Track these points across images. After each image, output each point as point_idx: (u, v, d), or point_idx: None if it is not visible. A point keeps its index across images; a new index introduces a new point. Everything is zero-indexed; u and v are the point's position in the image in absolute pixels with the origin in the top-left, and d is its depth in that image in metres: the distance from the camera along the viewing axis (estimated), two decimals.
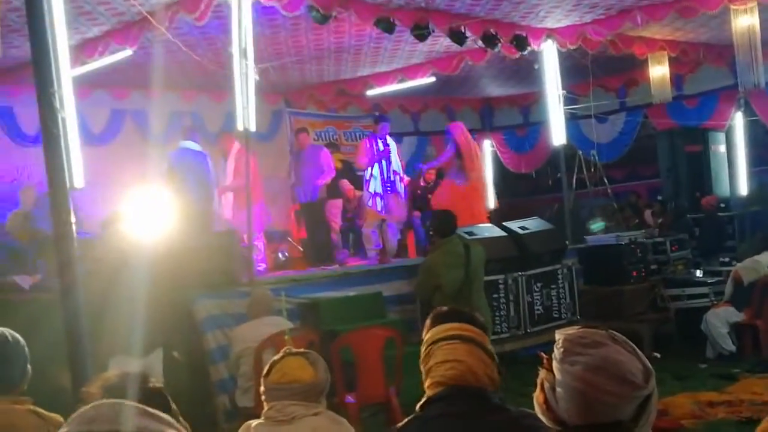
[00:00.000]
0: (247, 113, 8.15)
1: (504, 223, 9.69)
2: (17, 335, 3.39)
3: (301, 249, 11.84)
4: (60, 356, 4.75)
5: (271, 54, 10.63)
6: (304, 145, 11.10)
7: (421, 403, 2.55)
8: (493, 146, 16.77)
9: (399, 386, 6.58)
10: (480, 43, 10.02)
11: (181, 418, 2.35)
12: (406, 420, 2.55)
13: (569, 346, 1.96)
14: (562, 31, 10.68)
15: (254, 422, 3.37)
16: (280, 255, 11.54)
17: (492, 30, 9.91)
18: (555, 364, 1.97)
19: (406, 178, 11.32)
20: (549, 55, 10.99)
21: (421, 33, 9.40)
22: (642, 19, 9.97)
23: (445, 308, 2.74)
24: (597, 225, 13.16)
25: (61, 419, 1.69)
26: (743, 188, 13.90)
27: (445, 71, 12.07)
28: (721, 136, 13.96)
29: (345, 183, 11.68)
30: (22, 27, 7.11)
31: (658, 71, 12.31)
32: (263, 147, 12.51)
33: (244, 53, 8.05)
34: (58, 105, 4.78)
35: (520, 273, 9.06)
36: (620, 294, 10.00)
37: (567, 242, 10.74)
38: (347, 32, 10.31)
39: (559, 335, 2.02)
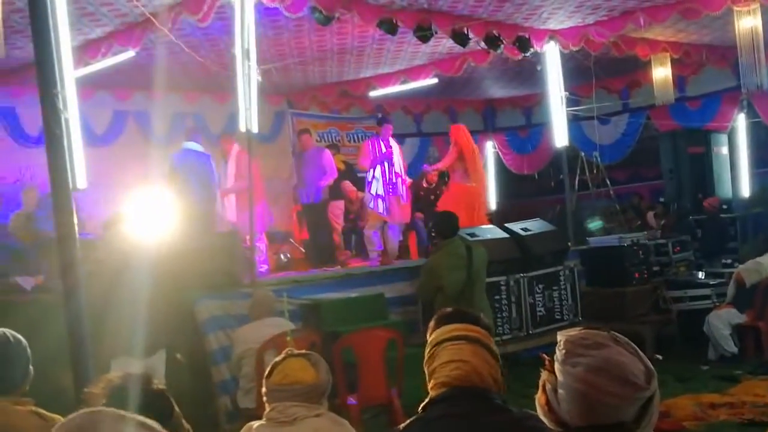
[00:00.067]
0: (249, 114, 8.15)
1: (506, 225, 9.70)
2: (19, 336, 3.40)
3: (303, 250, 11.85)
4: (62, 357, 4.75)
5: (274, 55, 10.64)
6: (307, 147, 11.10)
7: (423, 404, 2.55)
8: (495, 147, 16.77)
9: (400, 387, 6.58)
10: (483, 44, 10.02)
11: (183, 420, 2.36)
12: (408, 421, 2.55)
13: (571, 348, 1.96)
14: (565, 32, 10.68)
15: (256, 423, 3.37)
16: (282, 256, 11.55)
17: (495, 31, 9.91)
18: (557, 366, 1.97)
19: (408, 180, 11.31)
20: (551, 57, 10.99)
21: (423, 34, 9.40)
22: (645, 20, 9.96)
23: (449, 309, 2.74)
24: (595, 224, 13.16)
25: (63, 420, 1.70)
26: (745, 190, 13.89)
27: (447, 72, 12.07)
28: (724, 138, 13.93)
29: (347, 184, 11.68)
30: (26, 28, 7.13)
31: (661, 73, 12.30)
32: (265, 148, 12.53)
33: (246, 54, 8.05)
34: (61, 106, 4.79)
35: (522, 274, 9.06)
36: (622, 295, 10.00)
37: (569, 244, 10.74)
38: (350, 33, 10.32)
39: (561, 336, 2.02)
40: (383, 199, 10.49)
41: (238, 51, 8.09)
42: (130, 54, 9.32)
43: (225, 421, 7.15)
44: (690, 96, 13.94)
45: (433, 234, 10.10)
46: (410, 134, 15.79)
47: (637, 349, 1.98)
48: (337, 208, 11.47)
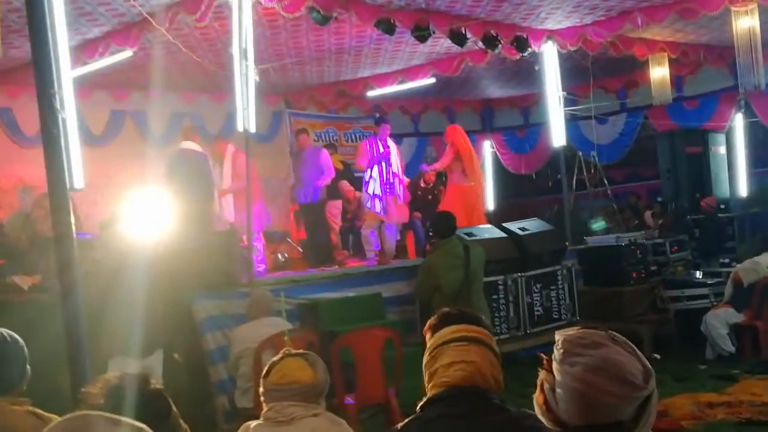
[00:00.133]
0: (247, 114, 8.15)
1: (504, 224, 9.69)
2: (16, 336, 3.39)
3: (301, 250, 11.85)
4: (59, 357, 4.74)
5: (272, 55, 10.64)
6: (305, 146, 11.10)
7: (421, 403, 2.55)
8: (493, 147, 16.78)
9: (398, 387, 6.58)
10: (480, 44, 10.02)
11: (181, 420, 2.35)
12: (406, 420, 2.54)
13: (569, 347, 1.96)
14: (563, 32, 10.68)
15: (253, 423, 3.37)
16: (279, 256, 11.54)
17: (492, 31, 9.91)
18: (555, 365, 1.97)
19: (406, 180, 11.31)
20: (549, 57, 11.00)
21: (421, 34, 9.40)
22: (642, 20, 9.97)
23: (451, 309, 2.73)
24: (598, 224, 13.16)
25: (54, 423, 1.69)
26: (743, 189, 13.91)
27: (445, 72, 12.07)
28: (722, 138, 13.96)
29: (345, 184, 11.68)
30: (23, 27, 7.11)
31: (659, 72, 12.31)
32: (263, 148, 12.54)
33: (244, 54, 8.05)
34: (58, 105, 4.77)
35: (519, 274, 9.06)
36: (620, 295, 10.00)
37: (567, 243, 10.74)
38: (348, 33, 10.32)
39: (558, 336, 2.02)
40: (380, 199, 10.49)
41: (235, 51, 8.09)
42: (127, 54, 9.32)
43: (223, 421, 7.14)
44: (687, 96, 13.96)
45: (430, 233, 10.10)
46: (408, 134, 15.80)
47: (635, 348, 1.98)
48: (335, 207, 11.47)
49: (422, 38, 9.50)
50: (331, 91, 13.95)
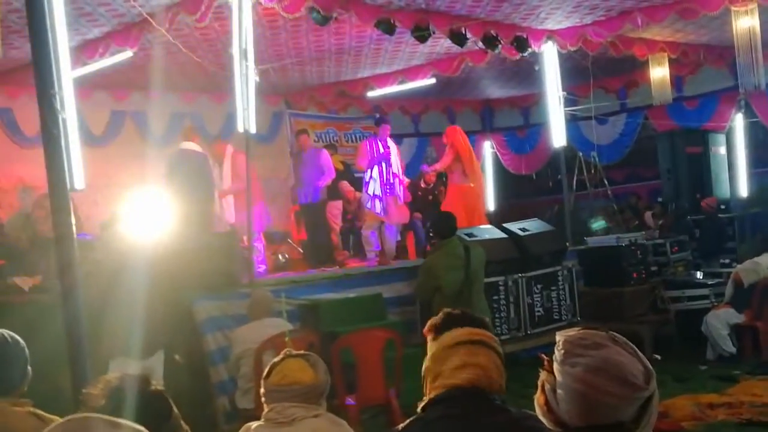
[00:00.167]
0: (247, 114, 8.15)
1: (504, 225, 9.69)
2: (17, 337, 3.39)
3: (301, 250, 11.85)
4: (60, 358, 4.75)
5: (272, 55, 10.64)
6: (305, 147, 11.10)
7: (422, 404, 2.55)
8: (493, 148, 16.77)
9: (399, 388, 6.58)
10: (480, 44, 10.03)
11: (182, 421, 2.35)
12: (407, 421, 2.54)
13: (570, 348, 1.96)
14: (563, 32, 10.68)
15: (254, 424, 3.37)
16: (280, 256, 11.54)
17: (492, 31, 9.91)
18: (556, 366, 1.97)
19: (406, 180, 11.30)
20: (549, 57, 11.00)
21: (421, 34, 9.41)
22: (642, 20, 9.97)
23: (454, 311, 2.73)
24: (598, 224, 13.16)
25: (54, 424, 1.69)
26: (743, 190, 13.91)
27: (445, 72, 12.08)
28: (722, 138, 13.96)
29: (345, 185, 11.68)
30: (23, 28, 7.10)
31: (659, 73, 12.31)
32: (263, 148, 12.54)
33: (244, 54, 8.05)
34: (58, 106, 4.78)
35: (520, 274, 9.06)
36: (620, 295, 10.00)
37: (567, 244, 10.74)
38: (348, 33, 10.32)
39: (559, 337, 2.02)
40: (381, 200, 10.49)
41: (235, 51, 8.09)
42: (127, 54, 9.32)
43: (223, 422, 7.14)
44: (688, 96, 13.96)
45: (431, 234, 10.10)
46: (408, 134, 15.80)
47: (636, 349, 1.98)
48: (335, 208, 11.47)
49: (422, 38, 9.51)
50: (332, 91, 13.96)
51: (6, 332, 3.37)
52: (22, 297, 7.56)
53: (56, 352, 4.75)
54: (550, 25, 10.49)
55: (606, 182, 13.99)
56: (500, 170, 16.88)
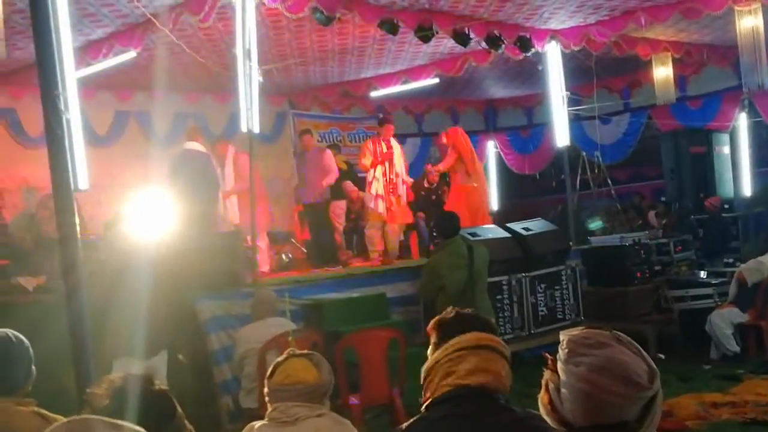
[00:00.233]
0: (251, 115, 8.16)
1: (507, 224, 9.69)
2: (21, 336, 3.40)
3: (305, 250, 11.85)
4: (64, 358, 4.76)
5: (275, 55, 10.65)
6: (308, 147, 11.10)
7: (426, 404, 2.55)
8: (496, 147, 16.78)
9: (402, 387, 6.58)
10: (484, 44, 10.03)
11: (186, 420, 2.35)
12: (411, 420, 2.54)
13: (574, 347, 1.96)
14: (566, 32, 10.68)
15: (258, 423, 3.37)
16: (283, 256, 11.55)
17: (496, 31, 9.92)
18: (560, 365, 1.97)
19: (409, 180, 11.30)
20: (553, 57, 11.00)
21: (424, 34, 9.41)
22: (646, 20, 9.97)
23: (463, 311, 2.72)
24: (595, 224, 13.16)
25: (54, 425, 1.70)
26: (747, 189, 13.89)
27: (448, 72, 12.08)
28: (725, 137, 13.94)
29: (348, 184, 11.68)
30: (27, 29, 7.15)
31: (662, 72, 12.30)
32: (267, 148, 12.56)
33: (248, 55, 8.06)
34: (62, 106, 4.79)
35: (523, 274, 9.05)
36: (624, 295, 9.99)
37: (570, 243, 10.74)
38: (351, 34, 10.32)
39: (563, 336, 2.02)
40: (384, 199, 10.48)
41: (239, 51, 8.11)
42: (131, 54, 9.34)
43: (227, 421, 7.15)
44: (691, 95, 13.96)
45: (434, 234, 10.10)
46: (411, 134, 15.80)
47: (640, 348, 1.98)
48: (339, 207, 11.47)
49: (425, 38, 9.51)
50: (335, 91, 13.97)
51: (10, 332, 3.38)
52: (27, 297, 7.58)
53: (60, 352, 4.76)
54: (554, 24, 10.49)
55: (609, 182, 13.98)
56: (504, 170, 16.88)
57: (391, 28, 9.11)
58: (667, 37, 11.78)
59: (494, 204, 15.81)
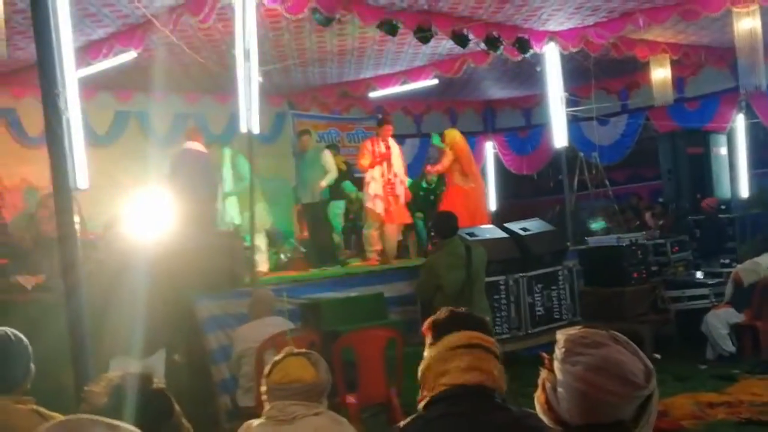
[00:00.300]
0: (250, 115, 8.17)
1: (505, 225, 9.70)
2: (20, 335, 3.41)
3: (303, 250, 11.86)
4: (62, 356, 4.77)
5: (275, 56, 10.66)
6: (307, 147, 11.11)
7: (423, 403, 2.57)
8: (495, 148, 16.78)
9: (400, 387, 6.60)
10: (482, 45, 10.05)
11: (183, 419, 2.37)
12: (408, 419, 2.56)
13: (571, 347, 1.97)
14: (565, 33, 10.69)
15: (255, 422, 3.38)
16: (282, 256, 11.56)
17: (494, 33, 9.93)
18: (556, 365, 1.98)
19: (408, 180, 11.31)
20: (551, 58, 11.01)
21: (424, 35, 9.43)
22: (644, 21, 9.98)
23: (457, 311, 2.74)
24: (598, 224, 13.17)
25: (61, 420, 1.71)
26: (744, 190, 13.89)
27: (447, 73, 12.09)
28: (723, 139, 13.95)
29: (347, 184, 11.69)
30: (28, 29, 7.16)
31: (660, 74, 12.32)
32: (266, 149, 12.56)
33: (247, 55, 8.06)
34: (62, 106, 4.80)
35: (521, 274, 9.07)
36: (621, 295, 10.01)
37: (568, 244, 10.76)
38: (350, 34, 10.33)
39: (560, 335, 2.03)
40: (382, 200, 10.49)
41: (239, 52, 8.11)
42: (131, 55, 9.34)
43: (225, 420, 7.16)
44: (689, 97, 13.97)
45: (432, 234, 10.11)
46: (410, 135, 15.80)
47: (637, 348, 1.99)
48: (338, 207, 11.49)
49: (424, 39, 9.53)
50: (334, 92, 13.98)
51: (9, 330, 3.40)
52: (26, 296, 7.59)
53: (59, 351, 4.78)
54: (552, 26, 10.51)
55: (607, 183, 13.99)
56: (502, 170, 16.88)
57: (391, 29, 9.12)
58: (665, 39, 11.79)
59: (492, 204, 15.82)
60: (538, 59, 11.05)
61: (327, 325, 7.63)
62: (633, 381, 1.90)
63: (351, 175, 12.20)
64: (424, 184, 12.37)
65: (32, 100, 9.34)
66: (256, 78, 8.15)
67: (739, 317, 9.25)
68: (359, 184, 11.41)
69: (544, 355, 2.06)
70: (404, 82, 12.80)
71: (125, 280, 5.95)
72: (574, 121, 12.80)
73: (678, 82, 13.41)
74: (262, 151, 10.70)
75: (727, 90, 13.00)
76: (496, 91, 15.78)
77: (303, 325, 7.62)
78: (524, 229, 9.56)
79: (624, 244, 10.32)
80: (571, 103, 11.93)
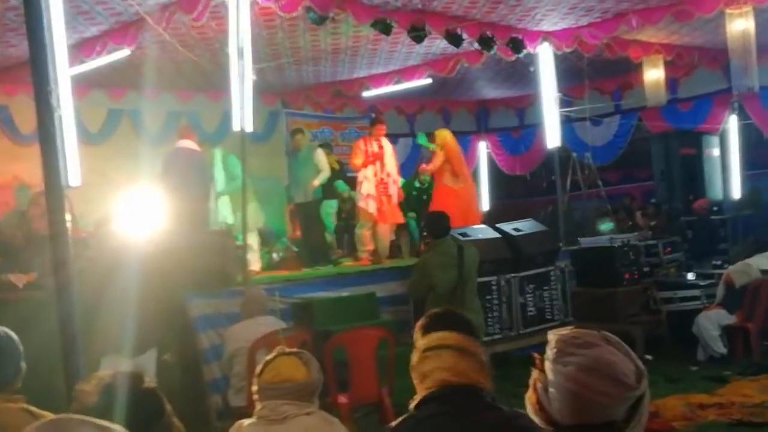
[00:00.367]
0: (243, 113, 8.16)
1: (498, 225, 9.70)
2: (11, 333, 3.40)
3: (296, 249, 11.85)
4: (53, 355, 4.76)
5: (269, 54, 10.64)
6: (300, 146, 11.10)
7: (415, 402, 2.57)
8: (488, 148, 16.79)
9: (392, 386, 6.59)
10: (476, 45, 10.06)
11: (175, 418, 2.37)
12: (399, 419, 2.56)
13: (562, 347, 1.98)
14: (558, 34, 10.70)
15: (246, 421, 3.38)
16: (274, 255, 11.55)
17: (488, 32, 9.94)
18: (548, 365, 1.98)
19: (401, 180, 11.30)
20: (545, 58, 11.02)
21: (417, 35, 9.43)
22: (637, 22, 10.00)
23: (442, 311, 2.75)
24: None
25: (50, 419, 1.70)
26: (736, 191, 13.92)
27: (441, 73, 12.09)
28: (715, 140, 14.00)
29: (340, 184, 11.69)
30: (20, 26, 7.13)
31: (653, 74, 12.35)
32: (259, 147, 12.55)
33: (241, 53, 8.06)
34: (55, 103, 4.79)
35: (513, 274, 9.07)
36: (613, 296, 10.01)
37: (560, 244, 10.76)
38: (344, 33, 10.33)
39: (552, 335, 2.03)
40: (375, 199, 10.49)
41: (232, 50, 8.10)
42: (125, 52, 9.32)
43: (216, 420, 7.14)
44: (682, 98, 14.01)
45: (424, 234, 10.11)
46: (403, 134, 15.79)
47: (628, 349, 2.00)
48: (330, 207, 11.48)
49: (418, 39, 9.53)
50: (328, 91, 13.97)
51: (0, 328, 3.38)
52: (17, 294, 7.56)
53: (50, 349, 4.76)
54: (546, 26, 10.51)
55: (600, 183, 14.01)
56: (495, 170, 16.89)
57: (385, 28, 9.12)
58: (658, 40, 11.82)
59: (485, 204, 15.83)
60: (531, 59, 11.06)
61: (319, 325, 7.62)
62: (624, 381, 1.90)
63: (344, 174, 12.19)
64: (417, 184, 12.37)
65: (25, 97, 9.31)
66: (250, 76, 8.15)
67: (730, 319, 9.26)
68: (352, 183, 11.41)
69: (536, 355, 2.06)
70: (398, 82, 12.81)
71: (117, 278, 5.94)
72: (567, 122, 12.82)
73: (671, 83, 13.44)
74: (254, 149, 10.71)
75: (719, 91, 13.04)
76: (490, 91, 15.80)
77: (295, 325, 7.60)
78: (517, 230, 9.56)
79: (616, 245, 10.34)
80: (564, 103, 11.96)
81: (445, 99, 16.13)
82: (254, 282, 8.37)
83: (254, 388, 3.44)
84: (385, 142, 10.78)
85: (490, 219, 12.13)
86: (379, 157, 10.51)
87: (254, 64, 8.32)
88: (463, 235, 8.79)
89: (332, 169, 11.18)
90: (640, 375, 1.94)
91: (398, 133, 15.23)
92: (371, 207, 10.44)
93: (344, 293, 8.61)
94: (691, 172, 14.03)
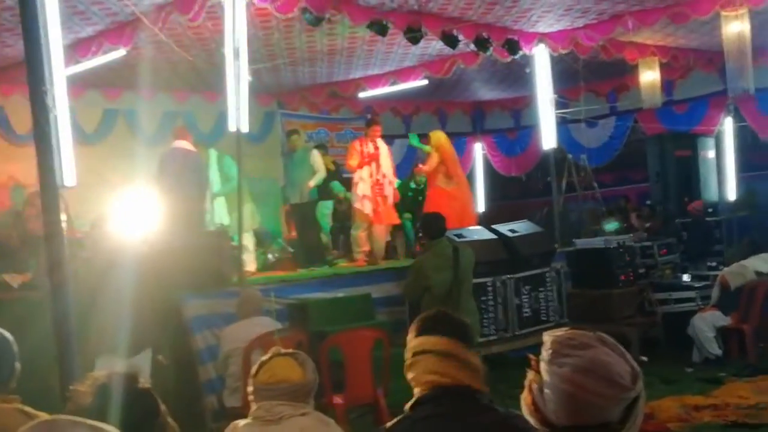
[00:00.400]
0: (239, 114, 8.15)
1: (493, 226, 9.70)
2: (5, 333, 3.39)
3: (291, 250, 11.84)
4: (48, 355, 4.75)
5: (265, 55, 10.64)
6: (296, 147, 11.09)
7: (410, 403, 2.57)
8: (483, 149, 16.81)
9: (387, 387, 6.59)
10: (472, 46, 10.07)
11: (169, 419, 2.36)
12: (395, 420, 2.56)
13: (558, 348, 1.97)
14: (554, 35, 10.72)
15: (241, 422, 3.37)
16: (269, 256, 11.54)
17: (484, 34, 9.95)
18: (543, 366, 1.98)
19: (396, 181, 11.29)
20: (540, 60, 11.04)
21: (413, 36, 9.43)
22: (633, 24, 10.01)
23: (436, 314, 2.74)
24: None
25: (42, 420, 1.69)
26: (731, 193, 13.96)
27: (437, 74, 12.10)
28: (711, 142, 14.02)
29: (335, 185, 11.68)
30: (16, 26, 7.13)
31: (649, 76, 12.36)
32: (255, 148, 12.53)
33: (237, 54, 8.05)
34: (50, 103, 4.78)
35: (508, 276, 9.06)
36: (608, 297, 10.01)
37: (556, 245, 10.76)
38: (340, 34, 10.33)
39: (547, 337, 2.03)
40: (370, 200, 10.48)
41: (228, 50, 8.09)
42: (120, 53, 9.31)
43: (211, 420, 7.13)
44: (677, 100, 14.04)
45: (420, 235, 10.10)
46: (399, 135, 15.77)
47: (624, 350, 1.99)
48: (326, 208, 11.47)
49: (414, 40, 9.54)
50: (323, 92, 13.98)
51: None
52: (11, 294, 7.56)
53: (45, 349, 4.76)
54: (542, 28, 10.53)
55: (595, 185, 14.04)
56: (490, 172, 16.91)
57: (381, 29, 9.13)
58: (654, 42, 11.84)
59: (480, 206, 15.85)
60: (527, 61, 11.08)
61: (314, 326, 7.61)
62: (620, 383, 1.90)
63: (339, 175, 12.18)
64: (413, 185, 12.35)
65: (20, 97, 9.28)
66: (246, 77, 8.14)
67: (725, 320, 9.28)
68: (348, 184, 11.40)
69: (531, 356, 2.06)
70: (394, 83, 12.81)
71: (112, 278, 5.93)
72: (562, 123, 12.84)
73: (666, 85, 13.47)
74: (250, 150, 10.67)
75: (715, 93, 13.07)
76: (486, 93, 15.81)
77: (290, 326, 7.59)
78: (512, 231, 9.56)
79: (611, 247, 10.33)
80: (560, 104, 11.97)
81: (441, 100, 16.14)
82: (250, 282, 8.36)
83: (249, 388, 3.44)
84: (381, 143, 10.77)
85: (486, 220, 12.15)
86: (374, 158, 10.50)
87: (250, 65, 8.32)
88: (459, 236, 8.79)
89: (328, 170, 11.17)
90: (635, 376, 1.94)
91: (394, 134, 15.19)
92: (367, 208, 10.43)
93: (340, 294, 8.61)
94: (687, 174, 14.05)
